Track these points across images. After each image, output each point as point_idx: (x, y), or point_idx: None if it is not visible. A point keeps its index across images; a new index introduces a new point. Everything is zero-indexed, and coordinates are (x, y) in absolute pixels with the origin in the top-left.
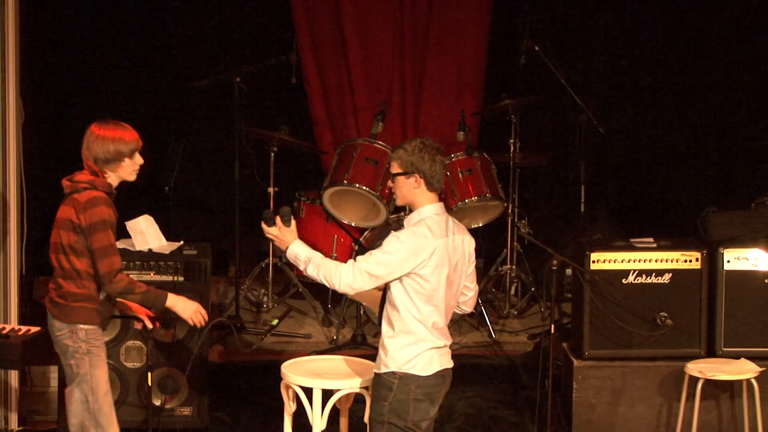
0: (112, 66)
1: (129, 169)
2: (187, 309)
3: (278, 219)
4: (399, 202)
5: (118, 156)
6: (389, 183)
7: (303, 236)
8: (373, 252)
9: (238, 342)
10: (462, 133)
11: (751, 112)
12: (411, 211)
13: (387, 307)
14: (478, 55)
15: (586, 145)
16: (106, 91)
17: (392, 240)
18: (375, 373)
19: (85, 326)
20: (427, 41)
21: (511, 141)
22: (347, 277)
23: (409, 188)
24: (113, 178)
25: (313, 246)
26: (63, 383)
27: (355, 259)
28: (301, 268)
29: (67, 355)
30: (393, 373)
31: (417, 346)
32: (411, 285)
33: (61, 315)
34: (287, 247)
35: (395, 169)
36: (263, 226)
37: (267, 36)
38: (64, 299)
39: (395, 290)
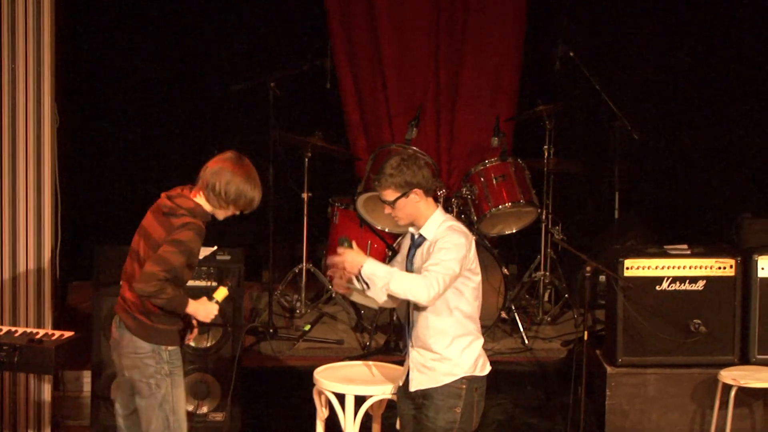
0: (147, 70)
1: (226, 214)
2: (209, 314)
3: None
4: (403, 222)
5: (232, 202)
6: (387, 210)
7: (337, 242)
8: (435, 260)
9: (271, 348)
10: (496, 138)
11: None
12: (413, 224)
13: (433, 323)
14: (514, 60)
15: (620, 151)
16: (141, 96)
17: (445, 245)
18: (434, 387)
19: (170, 348)
20: (463, 46)
21: (546, 147)
22: (434, 286)
23: (413, 204)
24: (209, 209)
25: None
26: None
27: (421, 272)
28: (380, 284)
29: (145, 374)
30: (462, 378)
31: (473, 346)
32: (464, 283)
33: (144, 335)
34: (362, 266)
35: (391, 195)
36: (339, 249)
37: (302, 41)
38: (148, 318)
39: (450, 295)
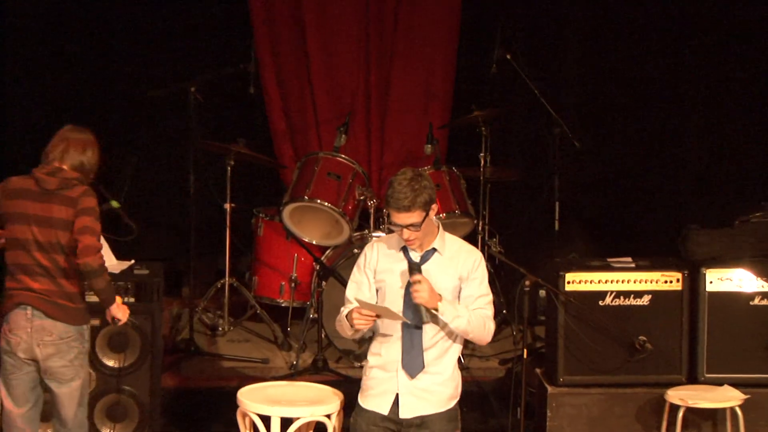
0: (60, 72)
1: None
2: (126, 314)
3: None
4: (417, 245)
5: (93, 173)
6: (406, 235)
7: (262, 255)
8: (484, 292)
9: (192, 367)
10: (430, 146)
11: (735, 127)
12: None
13: (448, 347)
14: (447, 63)
15: (560, 159)
16: (52, 99)
17: (481, 273)
18: (436, 413)
19: (87, 326)
20: (393, 49)
21: (482, 155)
22: (492, 324)
23: (430, 221)
24: None
25: (273, 266)
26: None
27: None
28: (453, 324)
29: (68, 357)
30: (458, 400)
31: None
32: None
33: (68, 318)
34: (440, 299)
35: (419, 217)
36: (415, 277)
37: (224, 44)
38: (70, 301)
39: None
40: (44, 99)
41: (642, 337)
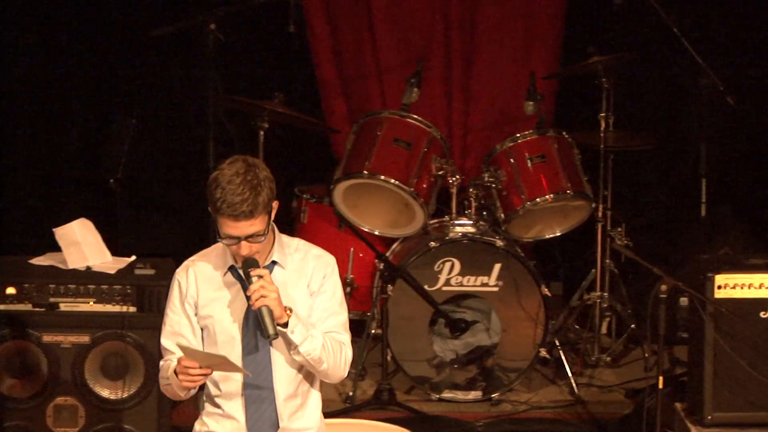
0: (32, 6)
1: None
2: None
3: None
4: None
5: None
6: (247, 249)
7: None
8: (339, 312)
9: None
10: (532, 103)
11: None
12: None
13: (312, 388)
14: None
15: (708, 121)
16: (22, 44)
17: (338, 285)
18: None
19: None
20: None
21: (602, 115)
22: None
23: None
24: None
25: None
26: None
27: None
28: (305, 348)
29: None
30: None
31: None
32: None
33: None
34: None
35: (265, 219)
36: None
37: None
38: None
39: None
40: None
41: None
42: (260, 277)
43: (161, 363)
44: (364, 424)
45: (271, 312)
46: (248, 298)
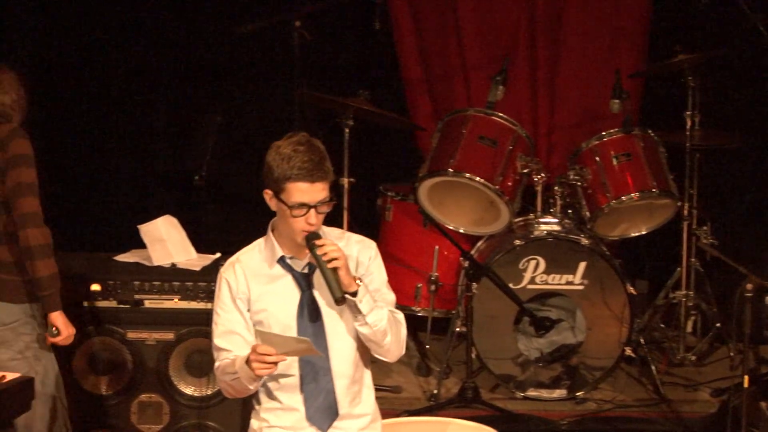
0: (118, 6)
1: None
2: (65, 331)
3: None
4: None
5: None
6: (315, 218)
7: (391, 247)
8: (389, 292)
9: None
10: (617, 101)
11: None
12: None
13: (366, 369)
14: None
15: None
16: (110, 42)
17: (380, 260)
18: None
19: (38, 304)
20: None
21: (688, 113)
22: None
23: None
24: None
25: (405, 262)
26: None
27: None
28: (373, 319)
29: (16, 346)
30: None
31: None
32: None
33: (9, 295)
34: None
35: (328, 186)
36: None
37: None
38: (9, 272)
39: None
40: (89, 43)
41: None
42: (323, 245)
43: (217, 364)
44: (448, 422)
45: (338, 276)
46: (316, 263)
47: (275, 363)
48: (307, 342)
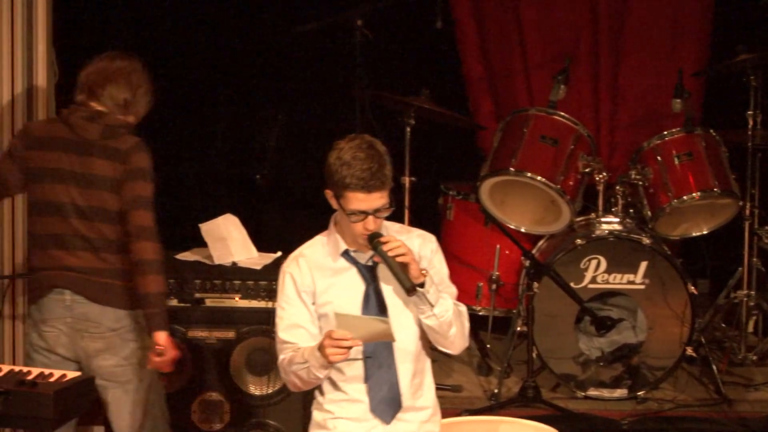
0: (179, 6)
1: None
2: (170, 352)
3: None
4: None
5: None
6: (373, 224)
7: (452, 246)
8: (450, 284)
9: None
10: (679, 101)
11: None
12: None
13: (427, 359)
14: None
15: None
16: (168, 42)
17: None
18: None
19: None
20: None
21: (750, 113)
22: None
23: None
24: None
25: (466, 261)
26: None
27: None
28: (440, 309)
29: (124, 353)
30: None
31: None
32: None
33: (119, 301)
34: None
35: (388, 192)
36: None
37: None
38: (120, 279)
39: None
40: (148, 45)
41: None
42: (387, 241)
43: (282, 357)
44: (510, 421)
45: (407, 269)
46: (380, 259)
47: (349, 348)
48: (387, 322)
